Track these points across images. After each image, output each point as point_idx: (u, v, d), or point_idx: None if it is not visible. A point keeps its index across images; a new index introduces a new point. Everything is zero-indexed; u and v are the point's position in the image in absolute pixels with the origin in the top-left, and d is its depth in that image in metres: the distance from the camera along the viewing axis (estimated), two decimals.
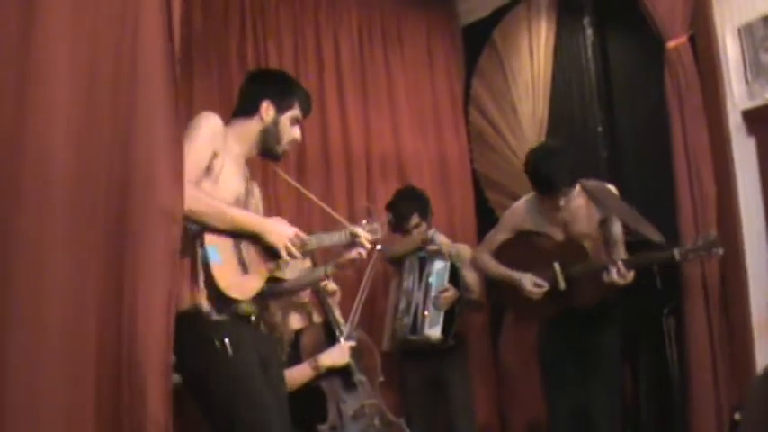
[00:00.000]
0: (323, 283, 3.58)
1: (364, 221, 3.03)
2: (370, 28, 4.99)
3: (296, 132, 2.86)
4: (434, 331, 3.98)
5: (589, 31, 4.45)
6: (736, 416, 3.45)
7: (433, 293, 4.01)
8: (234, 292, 2.54)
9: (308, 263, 3.46)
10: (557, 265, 3.64)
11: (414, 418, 3.89)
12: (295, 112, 2.83)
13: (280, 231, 2.67)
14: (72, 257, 2.13)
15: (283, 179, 3.25)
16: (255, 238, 2.64)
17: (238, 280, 2.57)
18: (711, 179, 3.67)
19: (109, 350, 2.18)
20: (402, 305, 4.07)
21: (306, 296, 3.56)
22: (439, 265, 4.06)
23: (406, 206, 4.15)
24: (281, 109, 2.80)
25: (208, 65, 4.29)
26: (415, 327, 4.00)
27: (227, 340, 2.49)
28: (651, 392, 3.99)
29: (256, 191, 2.93)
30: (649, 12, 3.78)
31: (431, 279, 4.04)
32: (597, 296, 3.55)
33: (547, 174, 3.50)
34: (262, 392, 2.56)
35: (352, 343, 3.44)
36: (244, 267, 2.61)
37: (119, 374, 2.18)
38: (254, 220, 2.65)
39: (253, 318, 2.70)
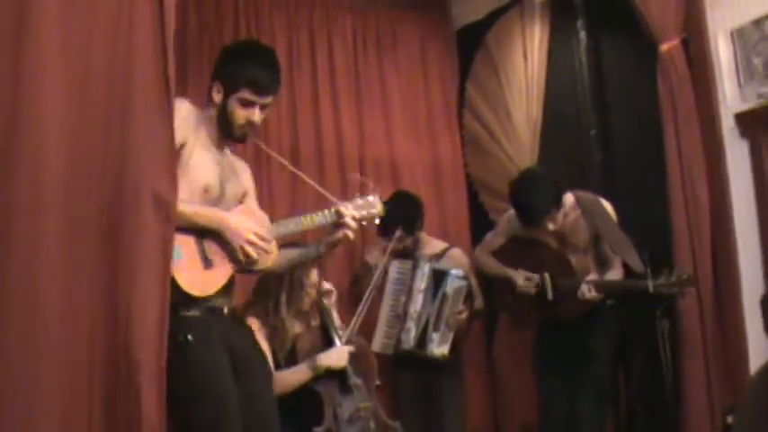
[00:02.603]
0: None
1: (357, 195, 2.83)
2: (364, 31, 4.99)
3: (250, 114, 2.64)
4: (442, 350, 3.96)
5: (582, 34, 4.45)
6: (729, 419, 3.47)
7: (446, 311, 3.95)
8: (194, 289, 2.49)
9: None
10: (546, 276, 3.67)
11: (407, 421, 3.87)
12: (242, 94, 2.62)
13: (236, 230, 2.56)
14: (66, 258, 2.13)
15: (277, 160, 3.12)
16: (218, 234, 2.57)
17: (200, 276, 2.52)
18: (705, 181, 3.69)
19: (102, 350, 2.18)
20: (411, 313, 3.98)
21: (308, 304, 3.52)
22: (457, 284, 3.97)
23: (394, 218, 3.69)
24: (227, 91, 2.64)
25: (201, 67, 4.28)
26: (423, 341, 3.95)
27: (190, 337, 2.46)
28: (644, 394, 4.00)
29: (243, 175, 2.83)
30: (642, 15, 3.80)
31: (447, 297, 3.96)
32: (580, 311, 3.57)
33: (525, 209, 3.59)
34: (221, 393, 2.50)
35: (352, 348, 3.42)
36: (207, 263, 2.55)
37: (112, 375, 2.18)
38: (210, 217, 2.55)
39: (225, 309, 2.64)
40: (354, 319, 3.56)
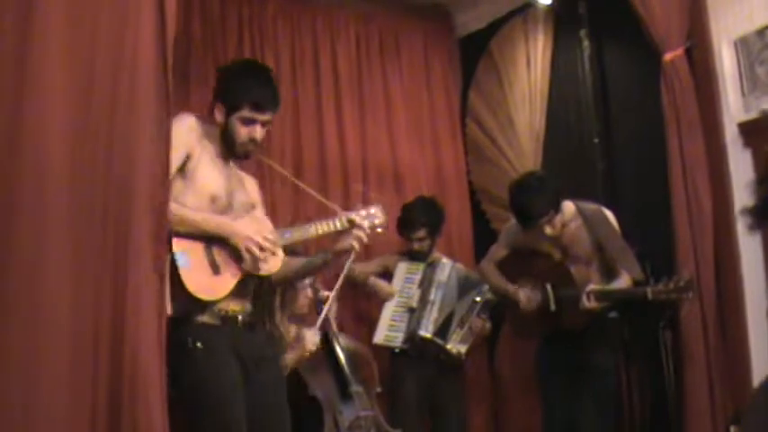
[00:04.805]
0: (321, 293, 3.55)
1: (360, 206, 2.84)
2: (368, 39, 5.00)
3: (252, 132, 2.70)
4: (461, 348, 3.99)
5: (586, 43, 4.46)
6: (732, 429, 3.45)
7: (473, 315, 4.04)
8: (203, 294, 2.54)
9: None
10: (549, 287, 3.66)
11: (404, 421, 3.83)
12: (243, 112, 2.67)
13: (240, 233, 2.60)
14: (69, 261, 2.13)
15: (279, 173, 3.14)
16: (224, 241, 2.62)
17: (208, 281, 2.57)
18: (708, 191, 3.68)
19: (106, 353, 2.17)
20: (432, 302, 4.00)
21: (304, 305, 3.52)
22: (488, 296, 4.06)
23: (420, 217, 4.12)
24: (229, 111, 2.69)
25: (205, 75, 4.28)
26: (445, 333, 3.98)
27: (198, 344, 2.51)
28: (647, 404, 3.99)
29: (249, 186, 2.89)
30: (646, 24, 3.80)
31: (476, 304, 4.06)
32: (583, 321, 3.56)
33: (521, 208, 3.57)
34: (223, 404, 2.52)
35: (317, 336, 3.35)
36: (215, 269, 2.60)
37: (116, 378, 2.17)
38: (215, 223, 2.61)
39: (240, 318, 2.66)
40: (326, 306, 3.50)
